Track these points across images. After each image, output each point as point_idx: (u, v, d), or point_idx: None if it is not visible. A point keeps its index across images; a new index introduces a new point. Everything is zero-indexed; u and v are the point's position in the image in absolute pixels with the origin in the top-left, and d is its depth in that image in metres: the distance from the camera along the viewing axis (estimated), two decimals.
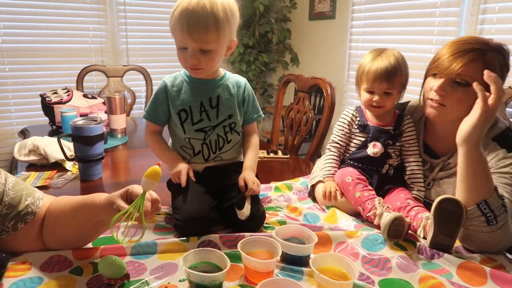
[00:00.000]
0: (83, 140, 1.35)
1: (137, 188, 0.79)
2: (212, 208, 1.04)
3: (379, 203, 1.07)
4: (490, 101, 0.92)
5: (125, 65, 2.81)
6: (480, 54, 1.03)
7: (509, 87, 1.44)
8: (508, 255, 0.96)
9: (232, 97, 1.14)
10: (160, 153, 1.15)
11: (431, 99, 1.11)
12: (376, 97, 1.17)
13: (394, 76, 1.14)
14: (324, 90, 1.96)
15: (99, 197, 0.82)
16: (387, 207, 1.06)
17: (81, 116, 1.76)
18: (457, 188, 0.98)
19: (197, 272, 0.74)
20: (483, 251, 0.96)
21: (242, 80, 1.19)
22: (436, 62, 1.10)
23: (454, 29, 2.42)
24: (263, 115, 1.25)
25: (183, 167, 1.07)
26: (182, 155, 1.15)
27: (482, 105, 0.92)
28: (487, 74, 0.93)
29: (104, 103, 2.19)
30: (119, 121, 1.94)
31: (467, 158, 0.95)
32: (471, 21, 2.29)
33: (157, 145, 1.16)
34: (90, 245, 0.93)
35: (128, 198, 0.79)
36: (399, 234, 0.98)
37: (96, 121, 1.39)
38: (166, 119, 1.15)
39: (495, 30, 2.19)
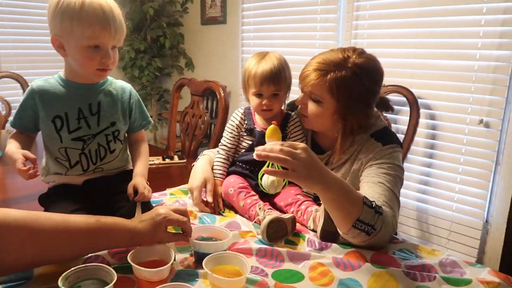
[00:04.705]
0: None
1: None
2: None
3: (260, 208, 1.10)
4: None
5: None
6: (322, 75, 1.09)
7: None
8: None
9: (115, 104, 1.09)
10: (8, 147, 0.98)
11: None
12: (265, 100, 1.19)
13: (279, 78, 1.18)
14: (217, 93, 1.97)
15: (126, 221, 0.83)
16: (269, 209, 1.09)
17: None
18: (332, 217, 0.96)
19: None
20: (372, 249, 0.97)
21: (127, 86, 1.15)
22: (300, 76, 1.17)
23: (333, 33, 2.63)
24: (152, 121, 1.21)
25: (17, 156, 0.92)
26: (57, 169, 1.05)
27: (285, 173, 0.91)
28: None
29: None
30: None
31: (325, 198, 0.92)
32: (347, 26, 2.51)
33: (10, 141, 1.00)
34: None
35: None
36: (284, 233, 1.01)
37: None
38: (33, 126, 1.06)
39: (367, 35, 2.44)
